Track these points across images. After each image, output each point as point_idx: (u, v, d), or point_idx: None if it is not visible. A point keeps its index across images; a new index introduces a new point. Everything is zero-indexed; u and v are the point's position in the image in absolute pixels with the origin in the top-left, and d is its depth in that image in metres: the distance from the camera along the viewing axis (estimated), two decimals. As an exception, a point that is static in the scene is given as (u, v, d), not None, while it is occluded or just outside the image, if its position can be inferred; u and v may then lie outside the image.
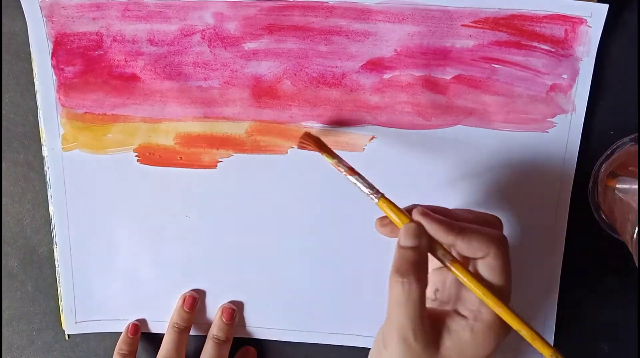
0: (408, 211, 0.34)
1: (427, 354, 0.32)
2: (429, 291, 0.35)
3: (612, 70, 0.40)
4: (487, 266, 0.32)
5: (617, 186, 0.39)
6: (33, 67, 0.41)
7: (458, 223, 0.32)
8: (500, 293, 0.32)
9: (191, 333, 0.44)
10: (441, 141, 0.41)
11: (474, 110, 0.40)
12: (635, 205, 0.36)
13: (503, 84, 0.40)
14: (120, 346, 0.44)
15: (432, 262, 0.33)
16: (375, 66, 0.40)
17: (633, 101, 0.40)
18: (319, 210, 0.43)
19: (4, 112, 0.43)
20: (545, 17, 0.39)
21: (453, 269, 0.32)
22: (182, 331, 0.43)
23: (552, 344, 0.43)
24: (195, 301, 0.44)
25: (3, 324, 0.46)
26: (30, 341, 0.46)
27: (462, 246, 0.32)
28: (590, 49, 0.39)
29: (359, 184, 0.35)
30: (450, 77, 0.40)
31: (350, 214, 0.42)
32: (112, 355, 0.44)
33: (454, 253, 0.33)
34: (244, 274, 0.44)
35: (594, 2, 0.38)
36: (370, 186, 0.35)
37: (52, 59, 0.41)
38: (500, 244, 0.32)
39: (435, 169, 0.41)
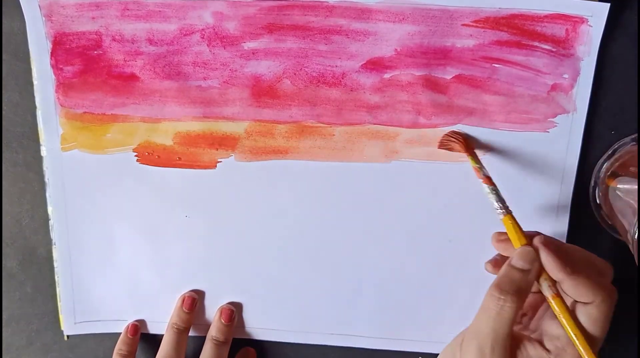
0: (530, 236, 0.35)
1: None
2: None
3: (613, 70, 0.40)
4: (587, 314, 0.32)
5: (617, 186, 0.39)
6: (32, 66, 0.41)
7: (573, 263, 0.33)
8: (592, 340, 0.32)
9: (190, 334, 0.44)
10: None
11: (474, 110, 0.40)
12: (636, 205, 0.36)
13: (504, 84, 0.40)
14: (119, 346, 0.44)
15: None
16: (375, 65, 0.40)
17: (634, 100, 0.40)
18: (319, 210, 0.42)
19: (2, 112, 0.43)
20: (546, 16, 0.39)
21: (553, 303, 0.33)
22: (181, 331, 0.43)
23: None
24: (195, 301, 0.44)
25: (2, 325, 0.46)
26: (29, 342, 0.46)
27: (569, 286, 0.32)
28: (592, 49, 0.39)
29: (492, 196, 0.37)
30: (451, 76, 0.40)
31: (350, 214, 0.42)
32: (112, 356, 0.44)
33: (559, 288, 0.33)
34: (244, 275, 0.44)
35: (595, 1, 0.38)
36: (502, 201, 0.36)
37: (51, 58, 0.41)
38: (607, 296, 0.32)
39: (436, 169, 0.41)
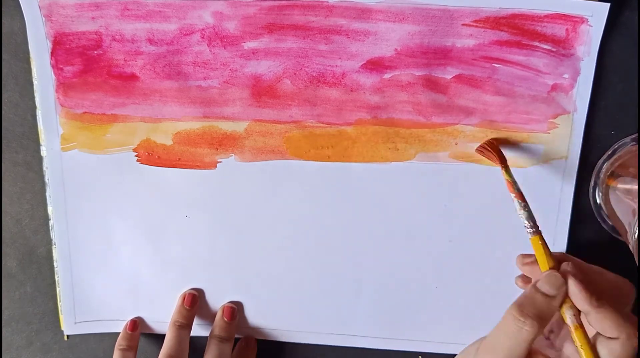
0: (557, 258, 0.34)
1: None
2: (545, 330, 0.35)
3: (613, 69, 0.40)
4: (610, 349, 0.31)
5: (618, 186, 0.39)
6: (32, 66, 0.41)
7: (599, 299, 0.32)
8: None
9: (193, 333, 0.44)
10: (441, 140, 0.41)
11: (474, 110, 0.40)
12: (636, 205, 0.36)
13: (504, 84, 0.40)
14: (119, 341, 0.44)
15: None
16: (375, 65, 0.40)
17: (634, 100, 0.40)
18: (319, 210, 0.42)
19: (2, 112, 0.43)
20: (546, 16, 0.39)
21: (574, 333, 0.32)
22: (183, 328, 0.43)
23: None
24: (196, 298, 0.44)
25: (2, 325, 0.46)
26: (29, 341, 0.46)
27: (594, 319, 0.32)
28: (592, 49, 0.39)
29: (522, 213, 0.36)
30: (451, 76, 0.40)
31: (350, 214, 0.42)
32: (112, 356, 0.44)
33: (583, 319, 0.33)
34: (244, 274, 0.44)
35: (595, 1, 0.38)
36: (532, 220, 0.35)
37: (51, 58, 0.41)
38: (633, 334, 0.31)
39: (436, 169, 0.41)
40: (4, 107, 0.43)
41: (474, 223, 0.42)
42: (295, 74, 0.40)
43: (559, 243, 0.42)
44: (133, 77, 0.41)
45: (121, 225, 0.43)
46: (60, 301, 0.44)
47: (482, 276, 0.43)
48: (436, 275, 0.43)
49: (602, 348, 0.32)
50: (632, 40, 0.40)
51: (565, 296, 0.33)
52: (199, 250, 0.43)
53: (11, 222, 0.44)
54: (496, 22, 0.39)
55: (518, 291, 0.43)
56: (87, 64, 0.41)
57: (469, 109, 0.40)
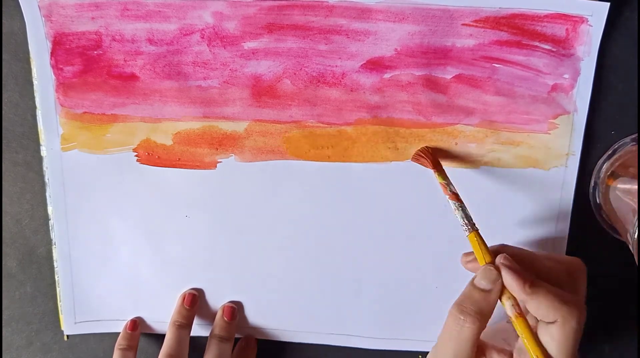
0: (495, 251, 0.34)
1: None
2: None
3: (613, 69, 0.40)
4: (550, 334, 0.31)
5: (618, 186, 0.39)
6: (32, 66, 0.41)
7: (535, 280, 0.32)
8: None
9: (193, 333, 0.44)
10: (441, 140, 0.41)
11: (474, 110, 0.40)
12: (636, 205, 0.36)
13: (504, 84, 0.40)
14: (119, 341, 0.44)
15: None
16: (375, 65, 0.40)
17: (634, 100, 0.40)
18: (319, 210, 0.42)
19: (2, 112, 0.43)
20: (546, 16, 0.38)
21: (515, 323, 0.32)
22: (183, 328, 0.43)
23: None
24: (196, 298, 0.44)
25: (2, 325, 0.46)
26: (29, 341, 0.46)
27: (531, 306, 0.32)
28: (592, 49, 0.39)
29: (458, 213, 0.37)
30: (451, 76, 0.40)
31: (350, 214, 0.42)
32: (112, 356, 0.44)
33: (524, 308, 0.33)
34: (244, 274, 0.44)
35: (595, 1, 0.38)
36: (468, 218, 0.36)
37: (51, 58, 0.41)
38: (571, 316, 0.31)
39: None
40: (4, 107, 0.43)
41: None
42: (295, 74, 0.40)
43: (559, 243, 0.42)
44: (133, 77, 0.41)
45: (121, 225, 0.43)
46: (60, 301, 0.44)
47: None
48: (436, 275, 0.43)
49: (543, 334, 0.32)
50: (632, 40, 0.40)
51: (502, 288, 0.33)
52: (199, 250, 0.43)
53: (11, 222, 0.44)
54: (496, 22, 0.39)
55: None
56: (87, 64, 0.41)
57: (469, 109, 0.40)
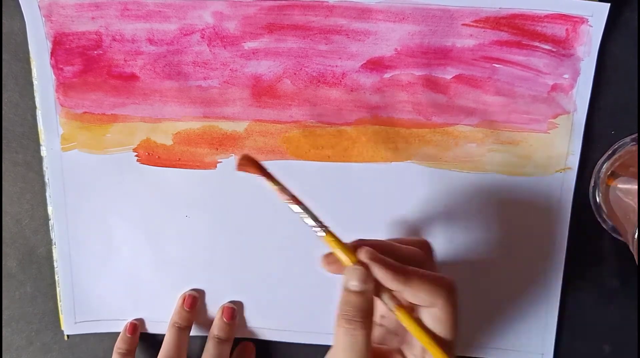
0: (354, 247, 0.32)
1: None
2: (376, 316, 0.34)
3: (613, 69, 0.40)
4: (432, 317, 0.31)
5: (618, 186, 0.39)
6: (32, 67, 0.41)
7: (405, 268, 0.31)
8: (444, 343, 0.31)
9: (192, 333, 0.44)
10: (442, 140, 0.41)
11: (474, 110, 0.40)
12: (636, 205, 0.36)
13: (504, 84, 0.40)
14: (118, 345, 0.44)
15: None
16: (375, 65, 0.40)
17: (634, 100, 0.40)
18: (319, 210, 0.42)
19: (2, 112, 0.43)
20: (547, 16, 0.39)
21: (397, 315, 0.31)
22: (182, 330, 0.43)
23: (554, 345, 0.43)
24: (196, 300, 0.44)
25: (2, 325, 0.46)
26: (29, 341, 0.46)
27: (408, 295, 0.31)
28: (592, 49, 0.39)
29: (304, 215, 0.33)
30: (451, 76, 0.40)
31: (350, 214, 0.42)
32: (111, 355, 0.44)
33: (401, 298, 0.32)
34: (244, 274, 0.44)
35: (595, 1, 0.38)
36: (315, 219, 0.32)
37: (51, 58, 0.41)
38: (448, 295, 0.31)
39: (436, 170, 0.41)
40: (4, 107, 0.43)
41: (473, 224, 0.42)
42: (295, 74, 0.40)
43: (558, 243, 0.42)
44: (133, 77, 0.41)
45: (121, 225, 0.43)
46: (60, 301, 0.44)
47: (482, 276, 0.43)
48: (436, 275, 0.43)
49: (426, 318, 0.31)
50: (632, 40, 0.40)
51: (375, 284, 0.31)
52: (199, 250, 0.43)
53: (11, 222, 0.44)
54: (496, 22, 0.39)
55: (519, 290, 0.43)
56: (87, 64, 0.41)
57: (469, 109, 0.40)
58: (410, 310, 0.32)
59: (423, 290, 0.31)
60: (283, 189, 0.33)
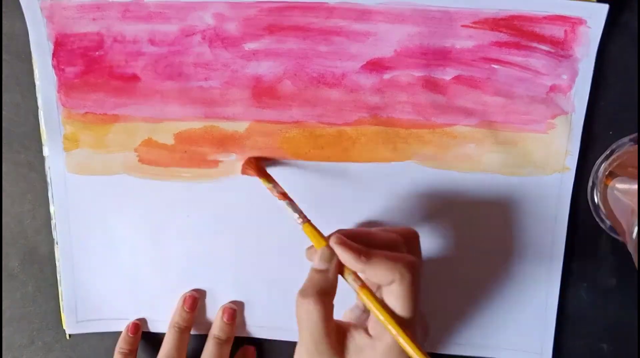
0: (330, 236, 0.35)
1: None
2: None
3: (611, 70, 0.40)
4: (392, 294, 0.33)
5: (616, 186, 0.39)
6: (34, 67, 0.41)
7: (368, 250, 0.33)
8: (401, 320, 0.33)
9: (192, 333, 0.44)
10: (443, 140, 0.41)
11: (473, 110, 0.41)
12: (635, 205, 0.36)
13: (503, 85, 0.40)
14: (120, 345, 0.44)
15: None
16: (375, 66, 0.40)
17: (633, 101, 0.41)
18: (319, 210, 0.43)
19: (4, 112, 0.43)
20: (545, 17, 0.39)
21: (360, 295, 0.34)
22: (182, 331, 0.43)
23: (552, 344, 0.43)
24: (196, 301, 0.44)
25: (3, 324, 0.46)
26: (30, 341, 0.46)
27: (369, 274, 0.33)
28: (590, 50, 0.39)
29: (289, 209, 0.37)
30: (450, 77, 0.40)
31: (350, 214, 0.42)
32: (113, 355, 0.44)
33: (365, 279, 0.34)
34: (245, 274, 0.44)
35: (594, 2, 0.38)
36: (298, 212, 0.37)
37: (52, 59, 0.41)
38: (405, 271, 0.33)
39: (436, 169, 0.42)
40: (5, 108, 0.43)
41: (473, 224, 0.42)
42: (295, 74, 0.41)
43: (557, 243, 0.42)
44: (134, 77, 0.41)
45: (123, 225, 0.43)
46: (62, 301, 0.45)
47: (483, 276, 0.43)
48: (435, 275, 0.43)
49: (387, 296, 0.33)
50: (631, 41, 0.40)
51: (340, 265, 0.34)
52: (200, 249, 0.44)
53: (13, 222, 0.44)
54: (495, 23, 0.39)
55: (517, 290, 0.43)
56: (89, 65, 0.41)
57: (468, 110, 0.41)
58: (375, 291, 0.34)
59: (381, 268, 0.33)
60: (275, 187, 0.39)
